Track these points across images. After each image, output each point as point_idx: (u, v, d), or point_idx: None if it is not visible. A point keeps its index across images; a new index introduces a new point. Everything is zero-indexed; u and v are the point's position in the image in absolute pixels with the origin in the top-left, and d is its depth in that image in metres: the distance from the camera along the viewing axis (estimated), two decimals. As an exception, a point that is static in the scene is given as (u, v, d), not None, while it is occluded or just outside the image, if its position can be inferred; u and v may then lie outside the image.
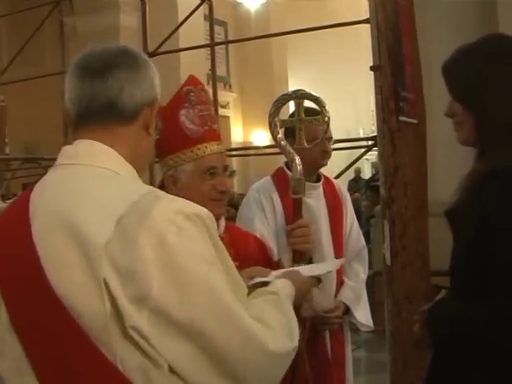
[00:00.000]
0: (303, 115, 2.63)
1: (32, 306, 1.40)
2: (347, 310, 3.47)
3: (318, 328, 3.34)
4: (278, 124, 2.55)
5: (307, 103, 2.72)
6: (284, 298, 1.71)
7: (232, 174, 2.61)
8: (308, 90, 2.71)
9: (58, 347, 1.37)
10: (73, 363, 1.35)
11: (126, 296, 1.34)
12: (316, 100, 2.59)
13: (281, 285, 1.82)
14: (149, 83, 1.64)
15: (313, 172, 3.46)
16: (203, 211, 1.50)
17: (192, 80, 2.48)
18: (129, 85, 1.59)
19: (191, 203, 1.51)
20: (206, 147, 2.41)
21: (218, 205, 2.45)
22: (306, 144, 2.65)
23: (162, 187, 2.51)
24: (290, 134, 2.88)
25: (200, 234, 1.45)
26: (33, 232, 1.44)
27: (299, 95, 2.62)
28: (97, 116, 1.59)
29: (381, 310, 4.37)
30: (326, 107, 2.58)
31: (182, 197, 2.39)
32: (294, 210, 2.59)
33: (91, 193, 1.46)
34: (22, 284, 1.43)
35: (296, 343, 1.60)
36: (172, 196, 1.53)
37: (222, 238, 2.48)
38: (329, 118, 2.59)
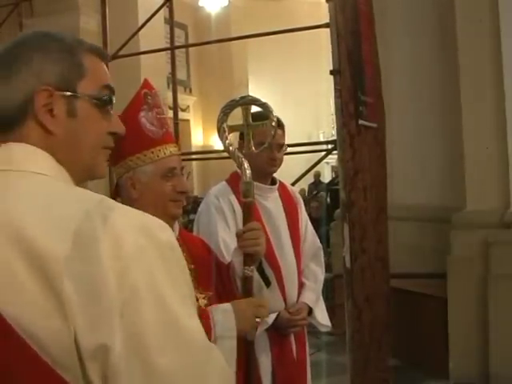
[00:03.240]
0: (251, 120, 2.65)
1: None
2: (309, 312, 3.49)
3: (284, 331, 3.36)
4: (226, 129, 2.57)
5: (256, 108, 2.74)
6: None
7: (188, 175, 2.64)
8: (255, 95, 2.73)
9: (11, 378, 1.20)
10: None
11: (86, 316, 1.19)
12: (263, 105, 2.60)
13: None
14: (23, 78, 1.41)
15: (265, 177, 3.48)
16: (161, 225, 1.36)
17: (147, 84, 2.51)
18: (1, 90, 1.41)
19: (143, 214, 1.35)
20: (166, 148, 2.44)
21: (177, 205, 2.47)
22: (254, 149, 2.67)
23: (116, 191, 2.51)
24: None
25: (156, 252, 1.29)
26: None
27: (247, 101, 2.63)
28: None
29: (341, 313, 4.40)
30: (274, 112, 2.60)
31: (142, 198, 2.39)
32: (244, 213, 2.60)
33: (38, 203, 1.30)
34: None
35: None
36: (121, 205, 1.37)
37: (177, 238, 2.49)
38: (276, 122, 2.61)
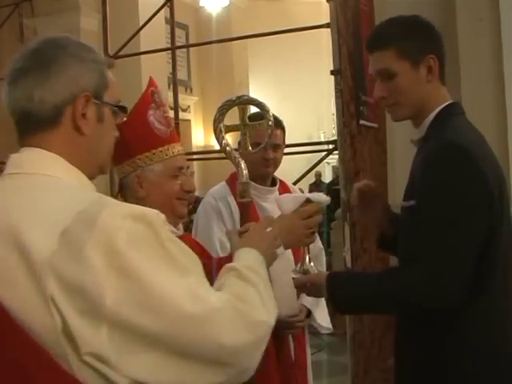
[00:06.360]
0: (247, 120, 2.64)
1: None
2: (308, 314, 3.46)
3: (282, 333, 3.32)
4: (222, 130, 2.56)
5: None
6: (244, 270, 1.63)
7: (192, 174, 2.65)
8: (256, 95, 2.73)
9: (14, 361, 1.30)
10: (33, 379, 1.30)
11: (77, 311, 1.28)
12: (260, 105, 2.59)
13: (240, 256, 1.77)
14: (62, 81, 1.53)
15: (263, 178, 3.46)
16: (148, 211, 1.43)
17: (153, 82, 2.51)
18: (37, 90, 1.51)
19: (136, 206, 1.45)
20: (174, 147, 2.44)
21: (183, 204, 2.47)
22: (250, 149, 2.66)
23: (121, 189, 2.50)
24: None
25: (150, 235, 1.38)
26: None
27: (243, 101, 2.61)
28: (23, 125, 1.55)
29: (342, 313, 4.39)
30: (270, 112, 2.59)
31: (150, 196, 2.38)
32: (241, 214, 2.60)
33: (34, 204, 1.40)
34: None
35: (272, 313, 1.57)
36: (117, 201, 1.45)
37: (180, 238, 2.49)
38: (272, 122, 2.60)
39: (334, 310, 2.41)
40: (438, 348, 2.19)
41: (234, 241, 2.07)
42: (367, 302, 2.29)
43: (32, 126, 1.53)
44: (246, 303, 1.48)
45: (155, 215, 1.42)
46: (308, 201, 2.25)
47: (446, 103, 2.35)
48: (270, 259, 1.85)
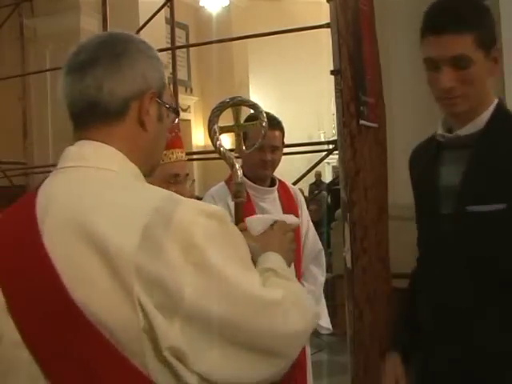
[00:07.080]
0: (241, 121, 2.64)
1: (49, 319, 1.33)
2: None
3: None
4: (217, 131, 2.56)
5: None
6: (282, 271, 1.64)
7: (193, 182, 2.62)
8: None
9: (82, 360, 1.31)
10: (102, 378, 1.31)
11: (156, 307, 1.29)
12: (253, 106, 2.59)
13: (271, 258, 1.75)
14: (132, 75, 1.52)
15: (261, 178, 3.47)
16: (218, 208, 1.45)
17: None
18: (107, 81, 1.48)
19: (204, 203, 1.47)
20: (173, 153, 2.42)
21: None
22: (244, 149, 2.66)
23: None
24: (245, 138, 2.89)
25: (223, 231, 1.41)
26: (44, 242, 1.37)
27: (236, 102, 2.61)
28: (85, 117, 1.51)
29: (342, 313, 4.39)
30: (264, 113, 2.58)
31: None
32: (235, 214, 2.60)
33: (107, 199, 1.39)
34: (35, 296, 1.35)
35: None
36: (186, 198, 1.44)
37: None
38: (266, 123, 2.59)
39: None
40: None
41: (251, 244, 2.07)
42: None
43: (97, 118, 1.51)
44: (298, 297, 1.52)
45: (223, 212, 1.45)
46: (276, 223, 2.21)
47: (497, 98, 2.20)
48: (288, 263, 1.87)
